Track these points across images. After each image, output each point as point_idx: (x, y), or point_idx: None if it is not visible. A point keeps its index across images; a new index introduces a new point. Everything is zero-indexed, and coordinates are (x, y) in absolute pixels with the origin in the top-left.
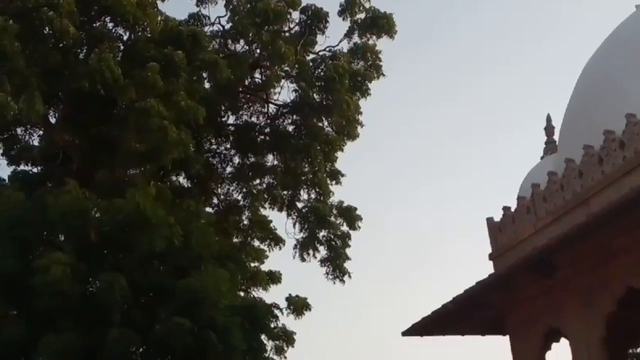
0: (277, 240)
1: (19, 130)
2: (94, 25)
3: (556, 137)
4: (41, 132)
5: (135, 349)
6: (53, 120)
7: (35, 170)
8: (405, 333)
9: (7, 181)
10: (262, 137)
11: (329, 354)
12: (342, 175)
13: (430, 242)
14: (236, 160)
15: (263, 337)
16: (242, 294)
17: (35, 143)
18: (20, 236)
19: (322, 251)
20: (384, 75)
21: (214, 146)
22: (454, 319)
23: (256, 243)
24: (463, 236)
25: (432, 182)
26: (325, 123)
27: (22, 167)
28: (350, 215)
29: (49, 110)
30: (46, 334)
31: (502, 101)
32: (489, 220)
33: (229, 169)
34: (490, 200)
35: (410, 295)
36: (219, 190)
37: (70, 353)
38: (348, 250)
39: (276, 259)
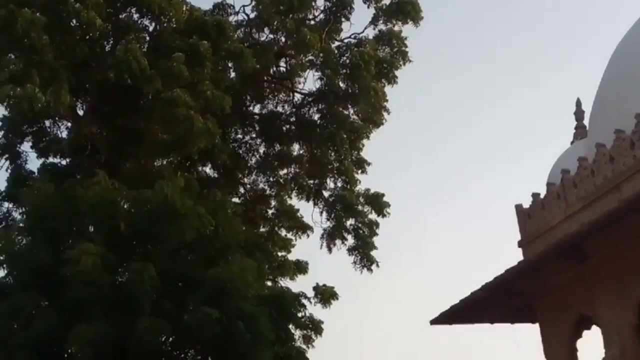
0: (304, 230)
1: (47, 123)
2: (120, 16)
3: (586, 121)
4: (69, 124)
5: (164, 338)
6: (81, 112)
7: (64, 162)
8: (434, 322)
9: (36, 174)
10: (288, 126)
11: (357, 343)
12: (369, 164)
13: (458, 229)
14: (262, 149)
15: (291, 326)
16: (269, 283)
17: (64, 135)
18: (50, 228)
19: (350, 240)
20: (410, 61)
21: (240, 136)
22: (483, 307)
23: (283, 232)
24: (491, 223)
25: (459, 169)
26: (351, 111)
27: (51, 159)
28: (377, 202)
29: (76, 102)
30: (78, 324)
31: (531, 86)
32: (518, 207)
33: (254, 159)
34: (519, 187)
35: (439, 284)
36: (245, 180)
37: (101, 342)
38: (375, 239)
39: (303, 249)
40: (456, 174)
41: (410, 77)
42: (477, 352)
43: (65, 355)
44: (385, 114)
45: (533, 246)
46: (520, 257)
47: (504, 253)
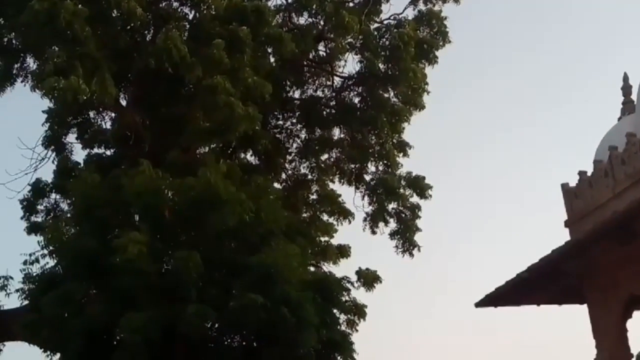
0: (346, 214)
1: (91, 114)
2: (160, 5)
3: (634, 96)
4: (113, 115)
5: (210, 324)
6: (124, 103)
7: (108, 152)
8: (479, 304)
9: (82, 165)
10: (328, 110)
11: (401, 326)
12: (410, 147)
13: (502, 210)
14: (303, 135)
15: (335, 311)
16: (312, 268)
17: (108, 126)
18: (98, 217)
19: (392, 224)
20: (450, 42)
21: (280, 122)
22: (529, 289)
23: (325, 217)
24: (536, 203)
25: (502, 148)
26: (392, 93)
27: (96, 150)
28: (419, 185)
29: (119, 93)
30: (126, 311)
31: (576, 60)
32: (564, 186)
33: (295, 144)
34: (565, 165)
35: (483, 266)
36: (287, 165)
37: (149, 329)
38: (418, 222)
39: (345, 233)
40: (500, 154)
41: (452, 58)
42: (522, 335)
43: (115, 342)
44: (425, 95)
45: (580, 226)
46: (567, 237)
47: (550, 233)
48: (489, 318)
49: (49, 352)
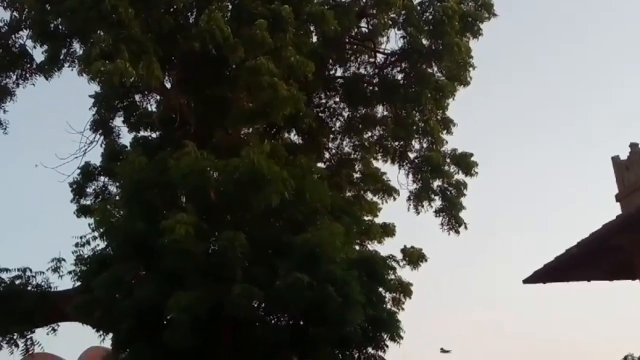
0: (390, 192)
1: (137, 97)
2: None
3: None
4: (158, 98)
5: (257, 304)
6: (168, 85)
7: (154, 135)
8: (527, 280)
9: (129, 147)
10: (371, 88)
11: (446, 304)
12: (454, 124)
13: (551, 186)
14: (346, 113)
15: (380, 289)
16: (357, 247)
17: (153, 109)
18: (145, 199)
19: (437, 201)
20: (495, 14)
21: (323, 101)
22: (579, 265)
23: (369, 196)
24: (586, 177)
25: (551, 122)
26: (435, 69)
27: (142, 133)
28: (465, 162)
29: (164, 75)
30: (174, 291)
31: (625, 35)
32: (615, 159)
33: (339, 123)
34: (616, 137)
35: (531, 242)
36: (330, 144)
37: (197, 309)
38: (463, 200)
39: (390, 211)
40: (547, 127)
41: (498, 31)
42: (572, 312)
43: (164, 322)
44: (470, 70)
45: (631, 199)
46: (618, 212)
47: (600, 208)
48: (537, 295)
49: (101, 332)
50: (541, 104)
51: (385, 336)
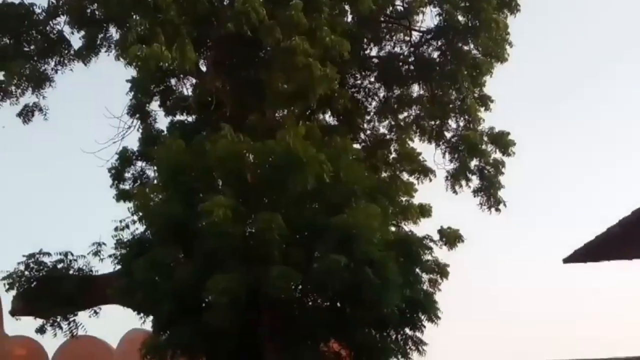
0: (426, 173)
1: (172, 81)
2: None
3: None
4: (194, 81)
5: (294, 285)
6: (204, 68)
7: (190, 119)
8: (567, 260)
9: (165, 132)
10: (407, 66)
11: (485, 285)
12: (492, 101)
13: (590, 163)
14: (381, 93)
15: (417, 270)
16: (393, 229)
17: (189, 92)
18: (183, 183)
19: (475, 181)
20: None
21: (359, 81)
22: (621, 243)
23: (405, 177)
24: (627, 155)
25: (588, 100)
26: (472, 46)
27: (178, 116)
28: (502, 141)
29: (200, 58)
30: (213, 273)
31: None
32: None
33: (374, 103)
34: None
35: (572, 221)
36: (365, 125)
37: (235, 291)
38: (502, 178)
39: (426, 192)
40: (586, 104)
41: (535, 7)
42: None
43: (203, 304)
44: (508, 47)
45: None
46: None
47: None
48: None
49: (142, 315)
50: (581, 78)
51: (422, 317)
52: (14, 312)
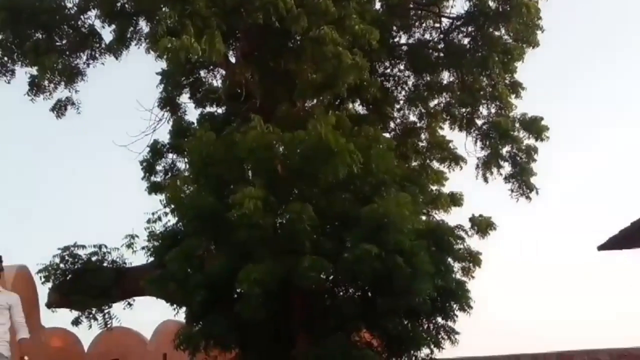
0: (457, 161)
1: (202, 73)
2: None
3: None
4: (223, 73)
5: (325, 275)
6: (233, 60)
7: (220, 110)
8: (602, 247)
9: (195, 124)
10: (437, 54)
11: (518, 273)
12: (524, 88)
13: (624, 149)
14: (411, 81)
15: (449, 259)
16: (423, 217)
17: (218, 84)
18: (214, 174)
19: (506, 168)
20: None
21: (388, 69)
22: None
23: (435, 165)
24: None
25: (625, 83)
26: (503, 32)
27: (208, 108)
28: (535, 127)
29: (229, 50)
30: (244, 264)
31: None
32: None
33: (404, 92)
34: None
35: (606, 207)
36: (395, 113)
37: (267, 281)
38: (534, 165)
39: (457, 180)
40: (620, 88)
41: None
42: None
43: (235, 295)
44: (539, 32)
45: None
46: None
47: None
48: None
49: (175, 306)
50: (615, 62)
51: (454, 306)
52: (49, 304)
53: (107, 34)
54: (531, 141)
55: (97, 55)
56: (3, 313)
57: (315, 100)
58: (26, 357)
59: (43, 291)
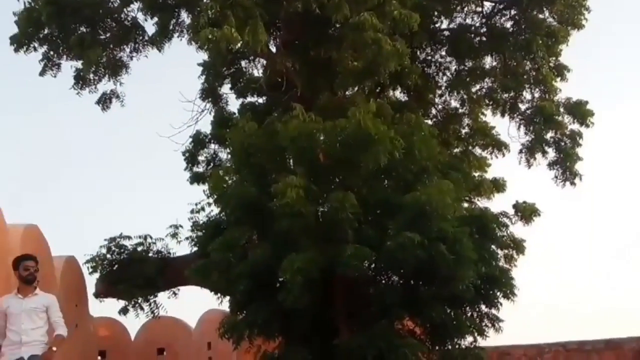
0: (500, 147)
1: (243, 63)
2: None
3: None
4: (264, 63)
5: (368, 263)
6: (274, 49)
7: (261, 100)
8: None
9: (237, 114)
10: (479, 38)
11: (562, 260)
12: (568, 71)
13: None
14: (452, 66)
15: (492, 246)
16: (466, 204)
17: (259, 74)
18: (256, 164)
19: (550, 153)
20: None
21: (429, 56)
22: None
23: (478, 151)
24: None
25: None
26: (547, 14)
27: (249, 98)
28: (580, 111)
29: (269, 39)
30: (287, 253)
31: None
32: None
33: (445, 77)
34: None
35: None
36: (437, 99)
37: (309, 270)
38: (579, 150)
39: (499, 166)
40: None
41: None
42: None
43: (278, 284)
44: (585, 13)
45: None
46: None
47: None
48: None
49: (219, 295)
50: None
51: (498, 294)
52: (97, 294)
53: (150, 26)
54: (576, 126)
55: (140, 47)
56: (40, 316)
57: (356, 88)
58: (54, 347)
59: (91, 281)
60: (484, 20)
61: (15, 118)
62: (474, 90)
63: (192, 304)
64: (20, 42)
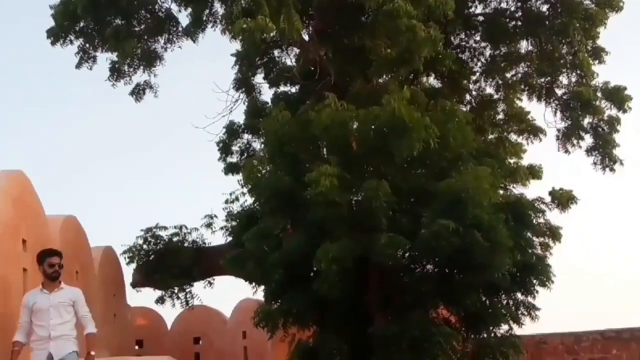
0: (536, 133)
1: (275, 53)
2: None
3: None
4: (297, 51)
5: (402, 252)
6: (306, 38)
7: (293, 89)
8: None
9: (270, 104)
10: (514, 23)
11: (600, 248)
12: (606, 54)
13: None
14: (487, 52)
15: (528, 233)
16: (501, 191)
17: (291, 63)
18: (289, 153)
19: (588, 139)
20: None
21: (463, 42)
22: None
23: (513, 138)
24: None
25: None
26: None
27: (282, 88)
28: (618, 96)
29: (303, 28)
30: (321, 242)
31: None
32: None
33: (480, 63)
34: None
35: None
36: (471, 86)
37: (344, 259)
38: (617, 136)
39: (536, 152)
40: None
41: None
42: None
43: (312, 273)
44: None
45: None
46: None
47: None
48: None
49: (253, 284)
50: None
51: (534, 281)
52: (134, 284)
53: (184, 17)
54: (614, 111)
55: (174, 39)
56: (67, 310)
57: (390, 76)
58: (92, 352)
59: (128, 272)
60: (519, 4)
61: (52, 109)
62: (509, 75)
63: (227, 294)
64: (56, 35)
